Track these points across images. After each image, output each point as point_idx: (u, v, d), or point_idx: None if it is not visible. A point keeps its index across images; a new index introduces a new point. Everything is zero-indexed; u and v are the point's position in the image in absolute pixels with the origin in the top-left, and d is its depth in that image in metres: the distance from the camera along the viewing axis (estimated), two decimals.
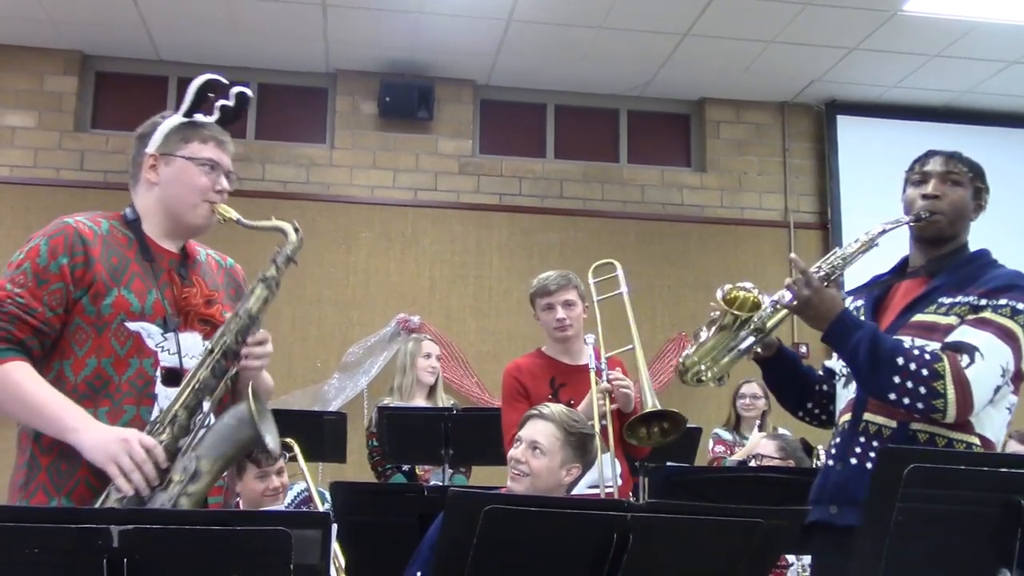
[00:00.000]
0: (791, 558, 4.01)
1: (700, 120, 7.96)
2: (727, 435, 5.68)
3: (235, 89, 2.37)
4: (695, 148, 7.98)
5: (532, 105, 7.83)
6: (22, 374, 2.12)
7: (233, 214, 2.33)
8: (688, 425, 5.14)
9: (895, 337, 2.41)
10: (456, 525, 1.82)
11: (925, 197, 2.52)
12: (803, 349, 7.53)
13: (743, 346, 2.57)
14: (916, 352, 2.34)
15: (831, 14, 6.43)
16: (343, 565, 3.53)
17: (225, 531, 1.56)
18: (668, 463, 4.54)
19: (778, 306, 2.52)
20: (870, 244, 2.55)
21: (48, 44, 7.05)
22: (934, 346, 2.36)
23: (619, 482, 3.37)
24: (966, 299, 2.41)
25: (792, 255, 2.68)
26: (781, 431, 5.53)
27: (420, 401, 4.83)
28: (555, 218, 7.52)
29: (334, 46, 7.05)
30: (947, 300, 2.44)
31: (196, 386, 2.16)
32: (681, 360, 2.59)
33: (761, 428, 5.59)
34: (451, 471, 4.52)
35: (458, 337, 7.17)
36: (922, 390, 2.29)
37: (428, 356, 4.90)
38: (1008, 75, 7.25)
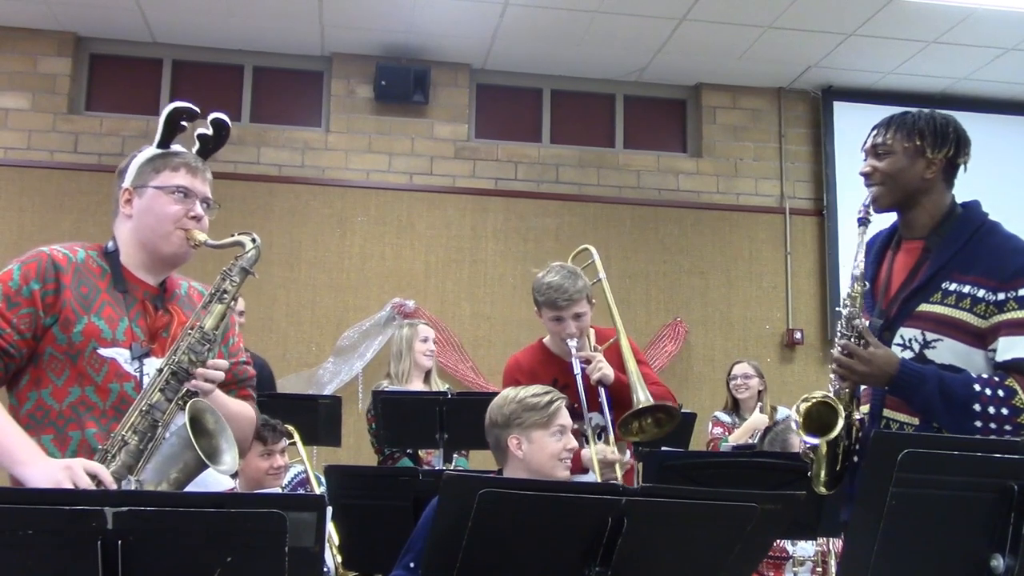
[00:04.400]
0: (790, 548, 4.01)
1: (696, 106, 7.94)
2: (726, 417, 5.78)
3: (212, 116, 2.35)
4: (691, 134, 7.97)
5: (528, 90, 7.81)
6: None
7: (202, 237, 2.30)
8: (683, 411, 5.19)
9: (961, 377, 2.34)
10: (451, 509, 1.82)
11: (862, 175, 2.57)
12: (798, 335, 7.54)
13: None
14: (988, 392, 2.31)
15: (828, 0, 6.42)
16: (338, 548, 3.54)
17: (220, 513, 1.56)
18: (663, 448, 4.55)
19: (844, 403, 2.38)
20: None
21: (42, 25, 7.01)
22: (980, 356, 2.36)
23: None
24: (978, 292, 2.37)
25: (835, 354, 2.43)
26: (781, 411, 5.60)
27: (417, 386, 4.84)
28: (551, 203, 7.50)
29: (330, 29, 7.02)
30: (953, 287, 2.39)
31: (145, 408, 2.13)
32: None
33: (761, 409, 5.68)
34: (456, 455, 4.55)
35: (453, 322, 7.18)
36: (1007, 427, 2.30)
37: (425, 340, 4.90)
38: (1005, 62, 7.24)
